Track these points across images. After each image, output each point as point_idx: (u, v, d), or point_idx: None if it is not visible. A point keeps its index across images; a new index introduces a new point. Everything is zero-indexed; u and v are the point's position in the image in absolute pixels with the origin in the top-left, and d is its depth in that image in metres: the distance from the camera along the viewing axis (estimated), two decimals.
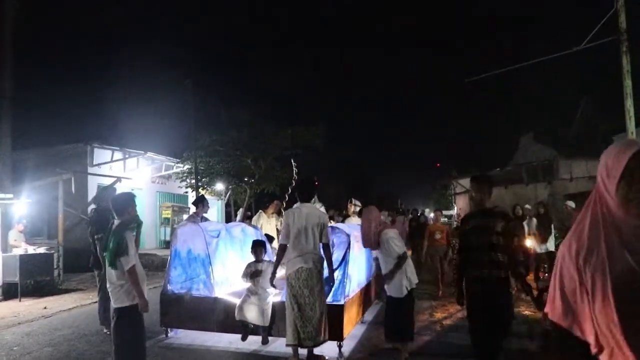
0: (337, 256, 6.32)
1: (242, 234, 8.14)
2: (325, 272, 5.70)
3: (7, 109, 13.77)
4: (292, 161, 9.22)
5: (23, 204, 13.05)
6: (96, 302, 8.19)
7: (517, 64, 13.84)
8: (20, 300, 10.87)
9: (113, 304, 4.72)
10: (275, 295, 6.31)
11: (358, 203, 10.09)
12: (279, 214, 10.04)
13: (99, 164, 19.66)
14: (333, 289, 5.95)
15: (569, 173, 24.29)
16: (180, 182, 23.86)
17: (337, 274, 6.03)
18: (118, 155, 20.90)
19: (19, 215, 12.73)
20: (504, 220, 4.53)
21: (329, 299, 5.84)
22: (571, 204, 11.78)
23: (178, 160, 23.73)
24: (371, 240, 5.86)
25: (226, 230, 7.80)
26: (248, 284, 6.35)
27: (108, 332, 6.88)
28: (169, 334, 6.99)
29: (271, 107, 47.03)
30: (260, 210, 10.20)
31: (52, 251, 12.63)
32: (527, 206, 11.93)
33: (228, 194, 26.74)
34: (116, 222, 4.87)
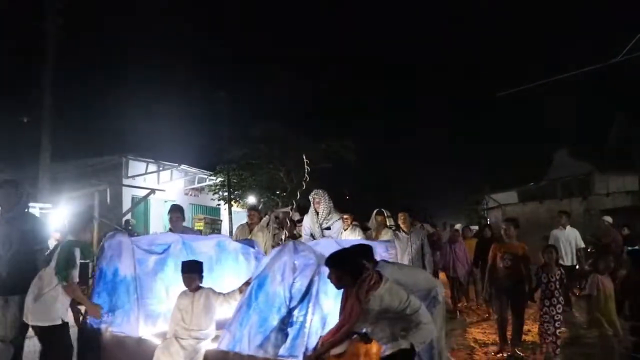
0: (299, 286, 4.41)
1: (216, 250, 5.96)
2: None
3: (48, 124, 14.26)
4: (305, 158, 7.82)
5: (60, 214, 13.35)
6: None
7: (549, 78, 13.73)
8: None
9: (41, 322, 4.71)
10: (212, 341, 4.61)
11: (388, 213, 8.38)
12: (281, 225, 8.86)
13: (133, 176, 20.02)
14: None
15: (606, 188, 23.78)
16: (213, 194, 24.16)
17: (296, 314, 4.33)
18: (152, 167, 21.24)
19: (55, 225, 13.02)
20: None
21: (282, 351, 4.19)
22: (608, 219, 11.53)
23: (211, 172, 24.05)
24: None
25: (183, 244, 5.73)
26: (181, 324, 4.62)
27: None
28: None
29: (304, 120, 47.36)
30: (242, 223, 8.34)
31: (87, 260, 12.81)
32: None
33: (260, 207, 26.89)
34: (68, 238, 5.08)
